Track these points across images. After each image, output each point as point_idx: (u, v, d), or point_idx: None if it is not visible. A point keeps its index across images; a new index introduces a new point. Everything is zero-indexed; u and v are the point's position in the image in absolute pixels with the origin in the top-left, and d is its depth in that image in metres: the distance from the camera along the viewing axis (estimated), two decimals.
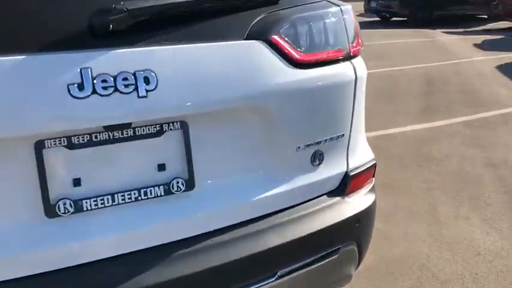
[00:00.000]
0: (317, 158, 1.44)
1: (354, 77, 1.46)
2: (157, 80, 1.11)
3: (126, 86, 1.07)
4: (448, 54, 9.19)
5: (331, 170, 1.49)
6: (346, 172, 1.53)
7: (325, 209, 1.47)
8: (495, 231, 2.75)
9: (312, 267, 1.44)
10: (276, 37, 1.29)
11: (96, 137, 1.11)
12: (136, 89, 1.08)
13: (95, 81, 1.03)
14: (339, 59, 1.43)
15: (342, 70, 1.44)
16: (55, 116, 1.03)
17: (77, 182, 1.11)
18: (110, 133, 1.13)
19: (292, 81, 1.32)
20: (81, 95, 1.02)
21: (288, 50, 1.31)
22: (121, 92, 1.06)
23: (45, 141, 1.06)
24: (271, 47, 1.29)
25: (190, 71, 1.17)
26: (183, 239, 1.24)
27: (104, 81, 1.04)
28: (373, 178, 1.67)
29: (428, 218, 2.93)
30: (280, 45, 1.30)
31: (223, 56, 1.22)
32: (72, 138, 1.09)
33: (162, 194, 1.21)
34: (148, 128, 1.17)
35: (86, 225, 1.13)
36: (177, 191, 1.22)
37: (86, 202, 1.12)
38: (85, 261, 1.13)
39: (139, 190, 1.18)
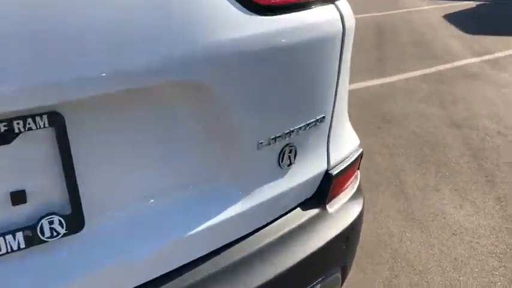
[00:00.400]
0: (287, 156, 0.93)
1: (341, 28, 0.94)
2: None
3: None
4: (395, 3, 8.88)
5: (307, 170, 0.99)
6: (327, 171, 1.03)
7: (298, 232, 0.96)
8: (468, 204, 2.46)
9: None
10: None
11: None
12: None
13: None
14: (319, 0, 0.91)
15: (323, 17, 0.91)
16: None
17: None
18: None
19: (250, 36, 0.78)
20: None
21: None
22: None
23: None
24: None
25: (65, 16, 0.62)
26: None
27: None
28: (358, 171, 1.21)
29: (395, 190, 2.59)
30: None
31: None
32: None
33: (23, 246, 0.67)
34: None
35: None
36: (51, 236, 0.69)
37: None
38: None
39: None
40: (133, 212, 0.78)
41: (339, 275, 1.10)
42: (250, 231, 0.91)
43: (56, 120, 0.66)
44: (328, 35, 0.92)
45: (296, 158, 0.96)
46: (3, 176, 0.65)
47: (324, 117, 0.98)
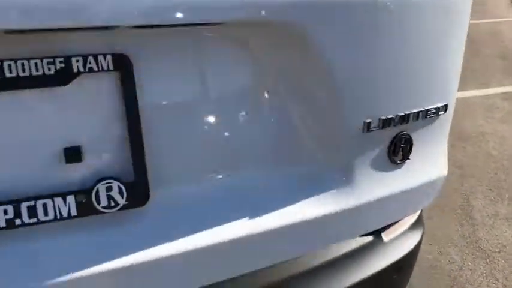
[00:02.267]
0: (400, 148, 0.76)
1: None
2: None
3: None
4: (483, 13, 8.36)
5: (424, 172, 0.83)
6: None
7: (349, 258, 0.86)
8: None
9: None
10: None
11: None
12: None
13: None
14: None
15: None
16: None
17: None
18: None
19: None
20: None
21: None
22: None
23: None
24: None
25: None
26: None
27: None
28: None
29: (462, 214, 2.46)
30: None
31: None
32: None
33: (74, 214, 0.57)
34: (37, 65, 0.53)
35: None
36: (107, 207, 0.59)
37: None
38: None
39: (16, 205, 0.55)
40: (203, 189, 0.66)
41: None
42: (345, 235, 0.77)
43: (123, 63, 0.56)
44: None
45: (411, 153, 0.78)
46: (56, 126, 0.56)
47: (446, 106, 0.80)
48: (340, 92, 0.66)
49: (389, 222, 0.88)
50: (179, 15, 0.54)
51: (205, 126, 0.64)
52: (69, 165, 0.57)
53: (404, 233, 0.99)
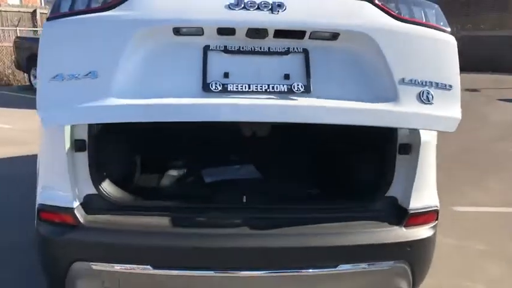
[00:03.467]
0: (425, 96, 1.77)
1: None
2: (286, 6, 1.78)
3: (265, 6, 1.77)
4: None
5: (440, 111, 1.80)
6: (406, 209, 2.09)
7: (382, 230, 2.03)
8: None
9: (368, 269, 1.99)
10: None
11: (242, 48, 1.81)
12: (271, 9, 1.77)
13: (245, 1, 1.78)
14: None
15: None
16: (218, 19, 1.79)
17: (226, 75, 1.77)
18: (252, 47, 1.82)
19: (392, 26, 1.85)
20: (236, 8, 1.77)
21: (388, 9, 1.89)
22: (260, 10, 1.77)
23: (210, 46, 1.80)
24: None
25: (313, 10, 1.86)
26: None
27: (252, 3, 1.78)
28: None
29: None
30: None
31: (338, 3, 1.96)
32: (227, 46, 1.80)
33: (285, 90, 1.75)
34: (279, 48, 1.83)
35: (227, 98, 1.75)
36: (297, 90, 1.76)
37: (230, 86, 1.76)
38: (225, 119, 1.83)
39: (268, 85, 1.76)
40: (333, 92, 1.81)
41: (406, 267, 1.98)
42: (397, 125, 1.97)
43: (305, 52, 1.83)
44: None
45: (433, 100, 1.77)
46: (283, 66, 1.80)
47: (451, 86, 1.83)
48: (390, 65, 1.81)
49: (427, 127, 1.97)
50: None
51: (337, 81, 1.85)
52: (285, 80, 1.82)
53: (417, 230, 2.08)
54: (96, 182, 2.04)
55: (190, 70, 1.76)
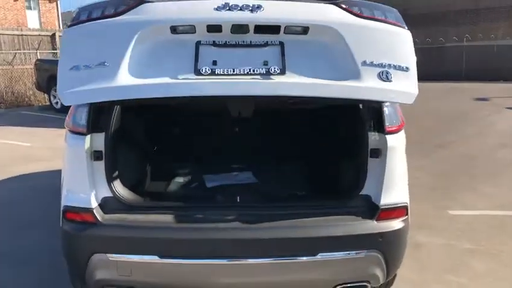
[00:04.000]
0: (385, 76, 2.10)
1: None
2: (263, 7, 2.17)
3: (246, 8, 2.16)
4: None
5: (398, 88, 2.12)
6: (377, 205, 2.41)
7: (354, 223, 2.36)
8: None
9: (344, 257, 2.30)
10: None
11: (228, 42, 2.20)
12: (251, 10, 2.16)
13: (230, 4, 2.17)
14: None
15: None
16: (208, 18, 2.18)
17: (214, 62, 2.15)
18: (236, 41, 2.20)
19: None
20: (222, 10, 2.16)
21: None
22: (242, 10, 2.16)
23: (201, 41, 2.20)
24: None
25: (286, 10, 2.25)
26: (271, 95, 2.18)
27: (235, 5, 2.16)
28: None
29: None
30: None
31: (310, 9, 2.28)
32: (215, 41, 2.20)
33: (264, 72, 2.11)
34: (259, 41, 2.21)
35: (216, 79, 2.11)
36: (273, 72, 2.12)
37: (218, 70, 2.13)
38: (213, 94, 2.14)
39: (250, 69, 2.13)
40: (305, 73, 2.16)
41: (379, 256, 2.30)
42: (362, 98, 2.21)
43: (281, 44, 2.20)
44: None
45: (391, 79, 2.11)
46: (262, 55, 2.17)
47: (408, 67, 2.15)
48: (352, 50, 2.18)
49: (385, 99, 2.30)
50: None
51: (305, 62, 2.22)
52: (265, 67, 2.18)
53: (389, 224, 2.39)
54: (112, 186, 2.40)
55: (184, 59, 2.14)
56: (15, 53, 15.00)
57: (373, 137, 2.39)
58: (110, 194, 2.40)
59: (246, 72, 2.10)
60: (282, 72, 2.11)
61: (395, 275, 2.71)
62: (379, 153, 2.37)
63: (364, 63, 2.11)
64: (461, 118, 10.86)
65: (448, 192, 5.36)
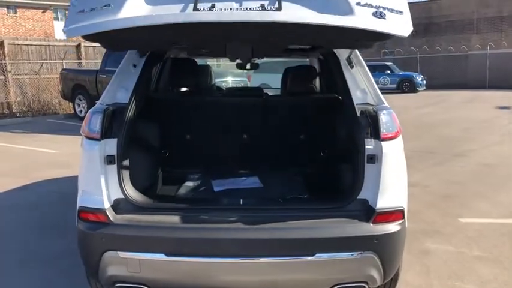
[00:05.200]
0: (379, 14, 2.12)
1: None
2: None
3: None
4: None
5: (395, 23, 2.12)
6: (374, 209, 2.47)
7: (349, 225, 2.43)
8: None
9: (340, 258, 2.38)
10: None
11: None
12: None
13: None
14: None
15: None
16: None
17: (213, 5, 2.17)
18: None
19: None
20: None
21: None
22: None
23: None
24: None
25: None
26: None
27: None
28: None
29: None
30: None
31: None
32: None
33: (260, 8, 2.15)
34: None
35: (212, 8, 2.17)
36: (270, 9, 2.15)
37: (215, 7, 2.16)
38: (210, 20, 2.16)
39: (247, 7, 2.15)
40: (299, 7, 2.19)
41: (375, 257, 2.37)
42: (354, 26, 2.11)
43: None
44: None
45: (386, 17, 2.12)
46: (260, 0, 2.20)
47: (402, 11, 2.16)
48: None
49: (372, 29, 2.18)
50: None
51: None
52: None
53: (384, 227, 2.46)
54: (123, 188, 2.55)
55: (184, 2, 2.22)
56: (42, 62, 15.50)
57: (369, 143, 2.47)
58: (121, 196, 2.55)
59: (243, 9, 2.16)
60: (278, 8, 2.16)
61: (397, 278, 2.78)
62: (375, 159, 2.46)
63: (358, 3, 2.15)
64: (481, 127, 10.75)
65: (460, 201, 5.36)
